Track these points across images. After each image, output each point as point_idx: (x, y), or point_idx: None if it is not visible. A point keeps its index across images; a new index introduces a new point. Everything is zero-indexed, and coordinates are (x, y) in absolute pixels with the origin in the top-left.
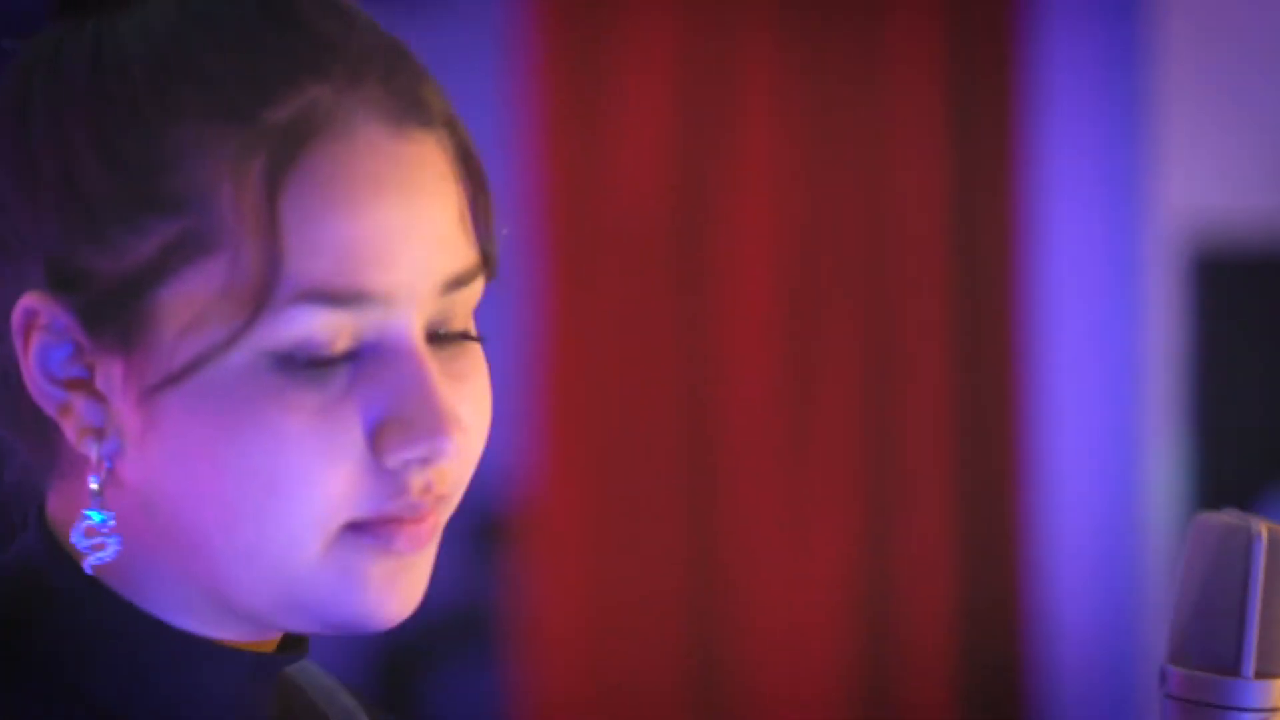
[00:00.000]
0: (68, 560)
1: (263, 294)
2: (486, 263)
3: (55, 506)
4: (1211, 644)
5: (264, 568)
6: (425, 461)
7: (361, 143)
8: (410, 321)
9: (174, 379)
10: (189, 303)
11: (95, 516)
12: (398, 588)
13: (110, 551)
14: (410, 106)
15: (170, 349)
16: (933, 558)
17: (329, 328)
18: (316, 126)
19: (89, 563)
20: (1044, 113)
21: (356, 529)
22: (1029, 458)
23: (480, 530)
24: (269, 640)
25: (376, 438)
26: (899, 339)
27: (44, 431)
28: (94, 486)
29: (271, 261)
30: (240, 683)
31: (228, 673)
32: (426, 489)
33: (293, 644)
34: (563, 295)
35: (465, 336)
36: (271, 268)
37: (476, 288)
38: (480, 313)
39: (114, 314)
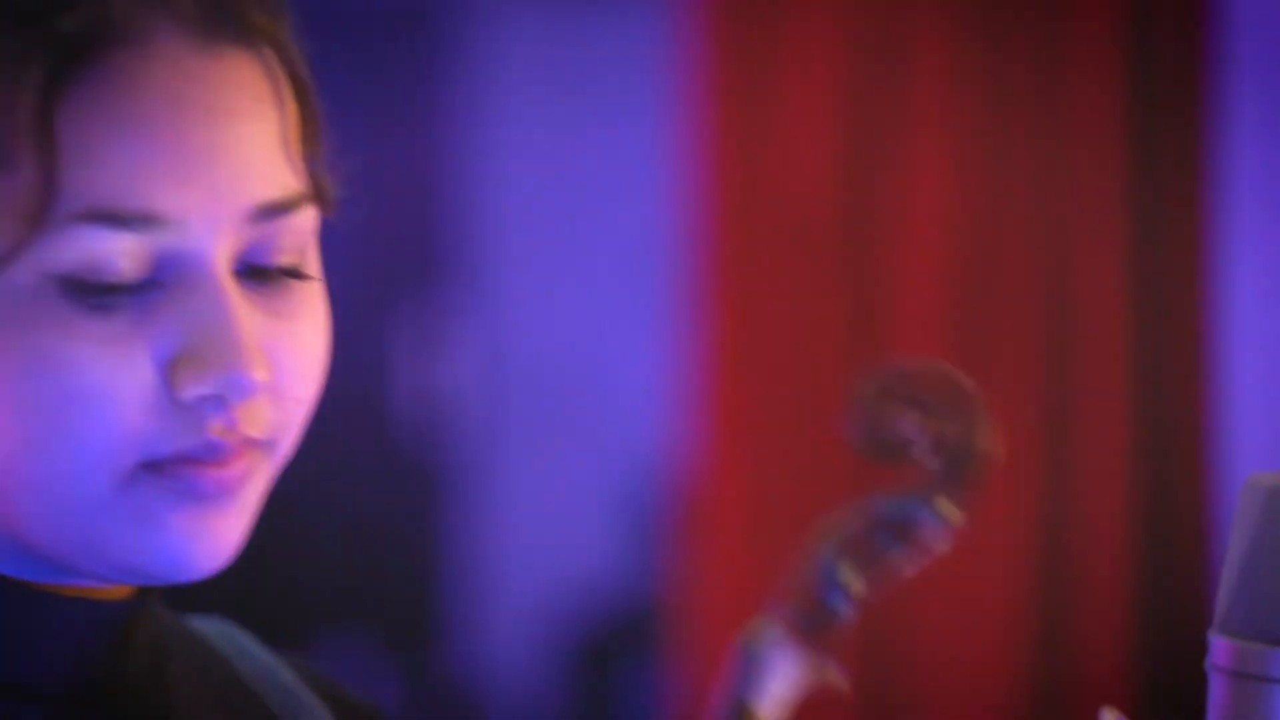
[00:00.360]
0: None
1: (39, 210)
2: (319, 194)
3: None
4: (1258, 613)
5: (54, 507)
6: (222, 399)
7: (161, 57)
8: (209, 248)
9: None
10: None
11: None
12: (203, 537)
13: None
14: (225, 22)
15: None
16: (1109, 566)
17: (115, 251)
18: (109, 37)
19: None
20: (1231, 124)
21: (155, 470)
22: (1213, 469)
23: (648, 525)
24: (115, 590)
25: (171, 371)
26: (1076, 355)
27: None
28: None
29: (45, 176)
30: (60, 629)
31: (43, 617)
32: (229, 429)
33: (142, 594)
34: (731, 292)
35: (293, 273)
36: (46, 183)
37: (304, 219)
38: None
39: None
